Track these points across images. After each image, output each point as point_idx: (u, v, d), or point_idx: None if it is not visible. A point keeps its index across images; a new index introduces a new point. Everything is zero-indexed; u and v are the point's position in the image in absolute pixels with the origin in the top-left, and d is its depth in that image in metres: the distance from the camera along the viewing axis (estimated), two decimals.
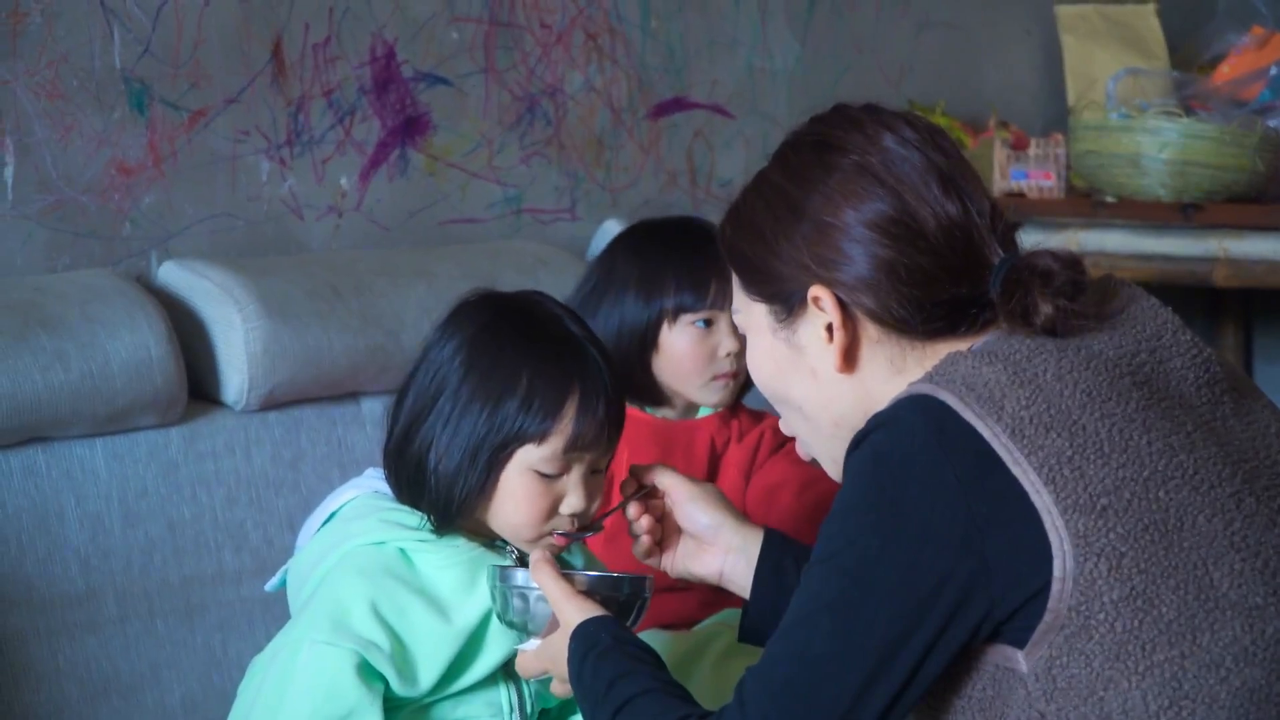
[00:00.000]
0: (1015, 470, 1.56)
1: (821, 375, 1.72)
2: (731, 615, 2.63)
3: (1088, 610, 1.56)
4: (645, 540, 2.03)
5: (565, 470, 1.97)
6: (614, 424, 2.00)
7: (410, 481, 1.99)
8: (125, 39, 2.69)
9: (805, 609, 1.62)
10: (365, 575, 1.97)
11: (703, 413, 2.68)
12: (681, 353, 2.56)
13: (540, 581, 1.87)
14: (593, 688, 1.76)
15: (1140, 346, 1.68)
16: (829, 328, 1.70)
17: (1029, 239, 3.99)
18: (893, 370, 1.70)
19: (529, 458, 1.96)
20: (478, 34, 3.10)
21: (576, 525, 2.00)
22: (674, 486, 2.03)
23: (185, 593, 2.52)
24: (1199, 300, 4.28)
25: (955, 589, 1.57)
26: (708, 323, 2.56)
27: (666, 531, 2.05)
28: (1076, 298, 1.65)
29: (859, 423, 1.67)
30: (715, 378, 2.58)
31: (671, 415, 2.64)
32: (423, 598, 1.97)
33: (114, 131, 2.69)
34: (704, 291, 2.55)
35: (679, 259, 2.58)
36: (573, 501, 1.98)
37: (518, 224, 3.18)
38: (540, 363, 1.96)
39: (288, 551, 2.59)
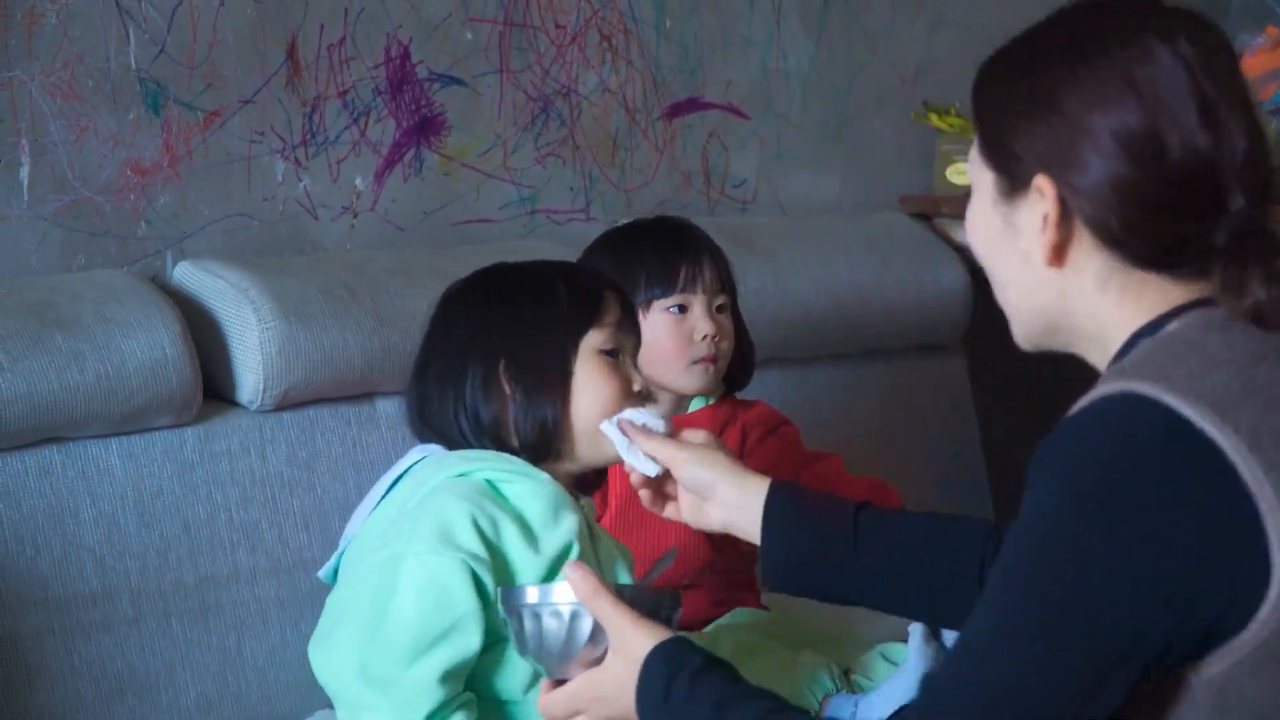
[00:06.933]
0: (1253, 487, 1.49)
1: (1032, 261, 1.65)
2: (743, 614, 2.63)
3: None
4: (646, 494, 2.08)
5: (623, 349, 2.15)
6: (637, 320, 2.22)
7: (497, 437, 2.10)
8: (140, 39, 2.70)
9: (1019, 614, 1.52)
10: (463, 496, 2.02)
11: (694, 406, 2.69)
12: (658, 340, 2.58)
13: (595, 606, 1.76)
14: (693, 709, 1.66)
15: None
16: (1045, 217, 1.63)
17: None
18: (1096, 284, 1.63)
19: (593, 342, 2.12)
20: (492, 34, 3.10)
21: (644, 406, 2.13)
22: (671, 455, 2.04)
23: (200, 592, 2.52)
24: None
25: (1184, 600, 1.49)
26: (681, 308, 2.61)
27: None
28: None
29: (1058, 319, 1.65)
30: (694, 362, 2.62)
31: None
32: (515, 521, 2.02)
33: (129, 132, 2.70)
34: (673, 279, 2.61)
35: (648, 252, 2.64)
36: (638, 378, 2.14)
37: (532, 224, 3.18)
38: (566, 270, 2.19)
39: (302, 551, 2.60)
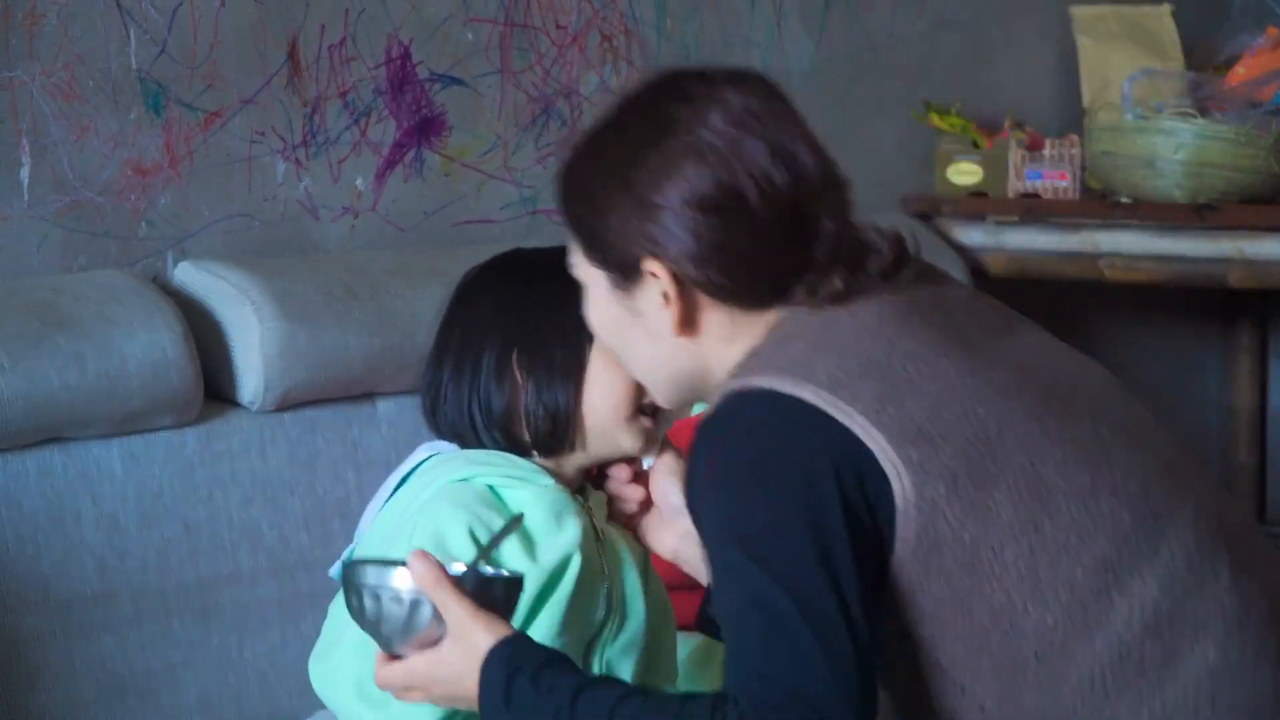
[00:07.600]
0: (846, 421, 1.62)
1: (662, 337, 1.76)
2: None
3: (935, 531, 1.62)
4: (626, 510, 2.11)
5: None
6: None
7: (508, 428, 2.06)
8: (141, 40, 2.70)
9: (737, 594, 1.64)
10: (461, 505, 1.99)
11: (700, 408, 2.69)
12: None
13: (435, 596, 1.76)
14: (540, 705, 1.69)
15: (922, 295, 1.75)
16: (665, 295, 1.74)
17: (1043, 239, 3.99)
18: (724, 337, 1.75)
19: None
20: (493, 35, 3.10)
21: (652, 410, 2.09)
22: (660, 461, 2.08)
23: (201, 593, 2.53)
24: (1214, 301, 4.27)
25: (850, 519, 1.62)
26: None
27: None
28: (892, 277, 1.73)
29: (698, 379, 1.77)
30: None
31: None
32: (515, 530, 1.99)
33: (130, 132, 2.70)
34: None
35: None
36: None
37: (533, 225, 3.18)
38: None
39: (303, 552, 2.60)
